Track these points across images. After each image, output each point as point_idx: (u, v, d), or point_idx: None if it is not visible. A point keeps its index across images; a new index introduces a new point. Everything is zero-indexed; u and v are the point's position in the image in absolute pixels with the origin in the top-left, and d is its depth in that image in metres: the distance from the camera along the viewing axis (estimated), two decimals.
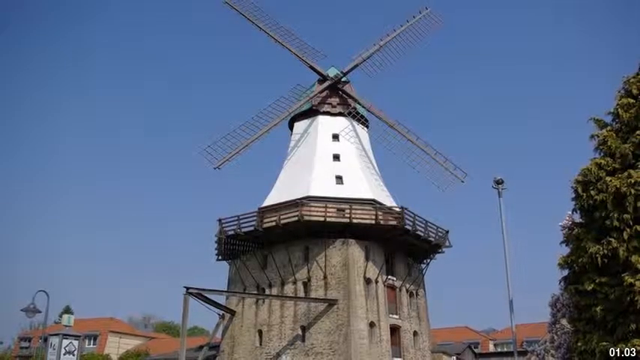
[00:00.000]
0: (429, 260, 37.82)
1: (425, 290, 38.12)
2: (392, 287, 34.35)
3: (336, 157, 36.71)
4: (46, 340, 21.03)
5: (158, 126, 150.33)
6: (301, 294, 32.69)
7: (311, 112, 38.45)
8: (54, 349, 19.46)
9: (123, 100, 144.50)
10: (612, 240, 11.99)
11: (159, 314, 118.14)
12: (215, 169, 33.89)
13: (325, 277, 32.17)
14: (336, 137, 37.60)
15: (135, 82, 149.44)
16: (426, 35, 40.05)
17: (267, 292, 33.98)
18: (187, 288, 29.67)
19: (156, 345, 66.83)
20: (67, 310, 66.40)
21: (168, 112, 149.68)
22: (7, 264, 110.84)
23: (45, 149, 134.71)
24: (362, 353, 30.11)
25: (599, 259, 12.09)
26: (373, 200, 34.25)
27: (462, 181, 35.42)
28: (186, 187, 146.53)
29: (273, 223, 32.82)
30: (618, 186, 12.14)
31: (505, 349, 60.07)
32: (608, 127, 13.52)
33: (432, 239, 35.44)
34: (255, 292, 34.42)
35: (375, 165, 38.91)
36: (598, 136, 13.45)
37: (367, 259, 32.88)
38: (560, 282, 13.98)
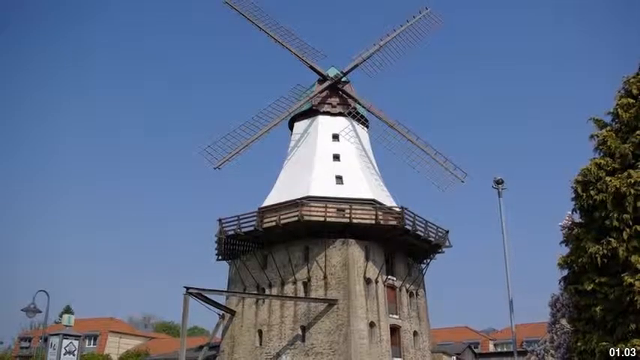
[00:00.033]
0: (429, 260, 37.84)
1: (425, 290, 38.14)
2: (392, 287, 34.36)
3: (336, 157, 36.72)
4: (46, 340, 21.03)
5: (158, 126, 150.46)
6: (301, 294, 32.69)
7: (311, 112, 38.46)
8: (54, 349, 19.47)
9: (123, 100, 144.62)
10: (612, 240, 12.00)
11: (159, 314, 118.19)
12: (215, 169, 33.97)
13: (325, 277, 32.18)
14: (336, 137, 37.61)
15: (135, 82, 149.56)
16: (426, 35, 40.11)
17: (267, 292, 33.99)
18: (187, 288, 29.68)
19: (156, 345, 66.84)
20: (68, 310, 66.43)
21: (168, 112, 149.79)
22: (7, 264, 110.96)
23: (45, 149, 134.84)
24: (362, 353, 30.12)
25: (598, 259, 12.10)
26: (373, 200, 34.26)
27: (462, 181, 35.47)
28: (186, 187, 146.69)
29: (273, 223, 32.82)
30: (618, 186, 12.14)
31: (505, 349, 60.09)
32: (608, 127, 13.53)
33: (432, 239, 35.44)
34: (255, 292, 34.43)
35: (375, 165, 38.92)
36: (598, 136, 13.46)
37: (367, 259, 32.89)
38: (559, 282, 13.99)
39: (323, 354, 30.52)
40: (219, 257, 36.07)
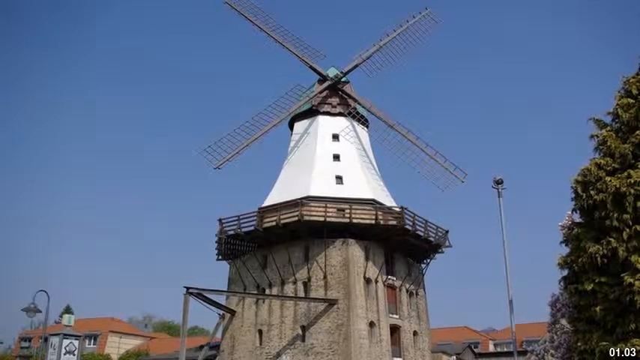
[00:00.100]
0: (428, 260, 37.82)
1: (425, 290, 38.14)
2: (392, 287, 34.37)
3: (336, 157, 36.72)
4: (46, 339, 21.05)
5: (158, 126, 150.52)
6: (301, 294, 32.70)
7: (311, 112, 38.45)
8: (54, 348, 19.50)
9: (123, 100, 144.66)
10: (612, 240, 12.02)
11: (159, 314, 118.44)
12: (215, 169, 33.95)
13: (325, 277, 32.19)
14: (336, 137, 37.60)
15: (135, 82, 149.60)
16: (426, 35, 40.04)
17: (268, 291, 34.00)
18: (187, 288, 29.67)
19: (156, 345, 66.92)
20: (68, 310, 66.58)
21: (168, 112, 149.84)
22: (7, 264, 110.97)
23: (45, 149, 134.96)
24: (362, 353, 30.13)
25: (598, 258, 12.12)
26: (373, 200, 34.27)
27: (462, 181, 35.42)
28: (186, 187, 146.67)
29: (274, 223, 32.83)
30: (618, 186, 12.17)
31: (505, 349, 60.09)
32: (608, 127, 13.56)
33: (432, 239, 35.44)
34: (256, 291, 34.43)
35: (375, 165, 38.92)
36: (598, 136, 13.48)
37: (367, 259, 32.89)
38: (559, 282, 14.02)
39: (323, 354, 30.53)
40: (220, 257, 36.07)
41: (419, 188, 71.38)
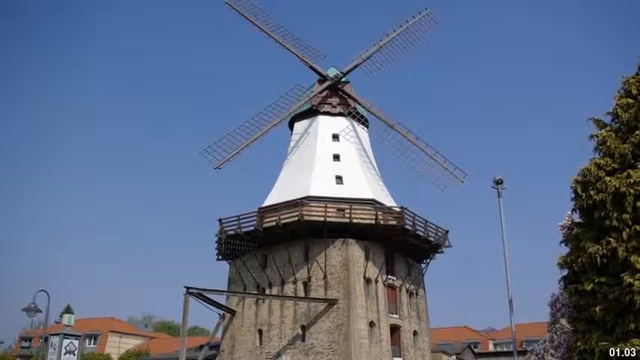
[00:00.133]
0: (428, 260, 37.82)
1: (425, 290, 38.15)
2: (392, 287, 34.38)
3: (336, 157, 36.73)
4: (46, 339, 21.07)
5: (158, 126, 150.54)
6: (301, 294, 32.71)
7: (311, 113, 38.46)
8: (54, 348, 19.52)
9: (123, 100, 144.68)
10: (611, 240, 12.03)
11: (159, 314, 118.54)
12: (215, 169, 33.96)
13: (325, 277, 32.20)
14: (336, 137, 37.62)
15: (135, 82, 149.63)
16: (426, 36, 40.03)
17: (268, 291, 34.01)
18: (187, 288, 29.68)
19: (156, 345, 66.94)
20: (68, 310, 66.66)
21: (168, 112, 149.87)
22: (7, 264, 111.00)
23: (45, 149, 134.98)
24: (362, 353, 30.14)
25: (598, 258, 12.13)
26: (373, 200, 34.28)
27: (462, 181, 35.41)
28: (186, 187, 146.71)
29: (274, 223, 32.84)
30: (617, 186, 12.18)
31: (505, 349, 60.11)
32: (608, 127, 13.57)
33: (432, 239, 35.45)
34: (256, 291, 34.45)
35: (375, 165, 38.93)
36: (597, 136, 13.50)
37: (367, 258, 32.90)
38: (559, 282, 14.03)
39: (323, 353, 30.55)
40: (220, 257, 36.08)
41: (419, 188, 71.46)
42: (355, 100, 38.57)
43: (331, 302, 31.33)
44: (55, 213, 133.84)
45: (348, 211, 32.56)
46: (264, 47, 38.60)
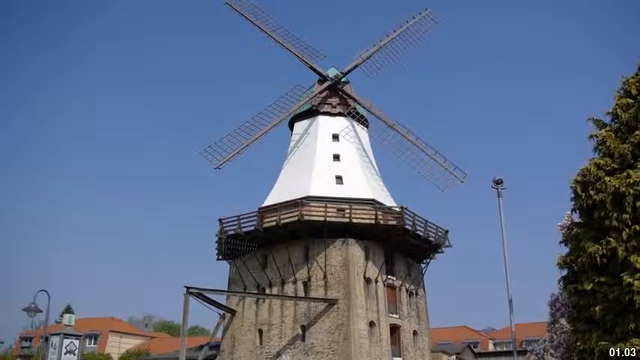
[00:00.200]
0: (428, 260, 37.84)
1: (425, 290, 38.17)
2: (392, 287, 34.39)
3: (336, 157, 36.74)
4: (47, 339, 21.08)
5: (158, 126, 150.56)
6: (301, 294, 32.73)
7: (311, 113, 38.47)
8: (55, 348, 19.53)
9: (123, 100, 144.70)
10: (611, 240, 12.04)
11: (159, 314, 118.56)
12: (215, 169, 33.97)
13: (325, 277, 32.22)
14: (336, 137, 37.63)
15: (135, 82, 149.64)
16: (426, 36, 40.03)
17: (268, 291, 34.02)
18: (188, 288, 29.69)
19: (156, 344, 66.95)
20: (68, 310, 66.72)
21: (168, 112, 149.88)
22: (8, 264, 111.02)
23: (45, 149, 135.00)
24: (362, 353, 30.16)
25: (598, 258, 12.15)
26: (373, 200, 34.29)
27: (462, 181, 35.42)
28: (186, 187, 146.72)
29: (274, 223, 32.85)
30: (617, 186, 12.19)
31: (504, 349, 60.12)
32: (607, 128, 13.58)
33: (432, 239, 35.46)
34: (256, 291, 34.46)
35: (375, 165, 38.94)
36: (597, 136, 13.51)
37: (367, 258, 32.92)
38: (559, 282, 14.04)
39: (323, 353, 30.57)
40: (220, 257, 36.10)
41: (419, 188, 71.48)
42: (355, 100, 38.58)
43: (331, 302, 31.35)
44: (55, 213, 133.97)
45: (348, 211, 32.57)
46: (264, 47, 38.66)
